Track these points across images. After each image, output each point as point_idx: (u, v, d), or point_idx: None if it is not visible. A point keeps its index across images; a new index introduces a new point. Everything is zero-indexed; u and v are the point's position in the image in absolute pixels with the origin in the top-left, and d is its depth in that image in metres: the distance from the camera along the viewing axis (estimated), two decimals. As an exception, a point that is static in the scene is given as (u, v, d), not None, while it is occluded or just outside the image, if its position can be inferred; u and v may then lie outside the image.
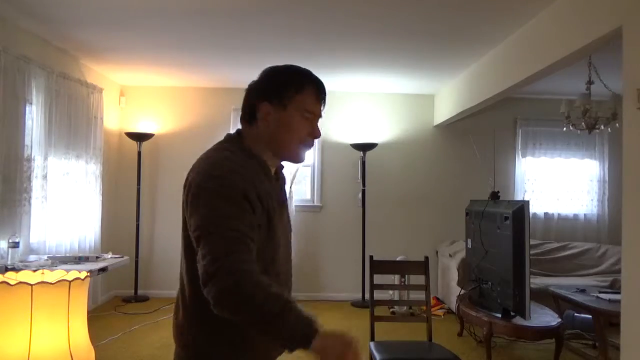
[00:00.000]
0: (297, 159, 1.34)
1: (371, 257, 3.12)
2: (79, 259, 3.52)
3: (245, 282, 1.07)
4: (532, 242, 5.18)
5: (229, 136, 1.37)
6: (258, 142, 1.32)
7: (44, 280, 1.53)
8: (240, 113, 1.38)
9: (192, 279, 1.21)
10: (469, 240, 4.19)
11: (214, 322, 1.17)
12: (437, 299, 5.55)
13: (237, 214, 1.14)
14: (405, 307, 5.14)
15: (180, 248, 1.29)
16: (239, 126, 1.41)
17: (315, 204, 5.92)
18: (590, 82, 4.08)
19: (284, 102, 1.27)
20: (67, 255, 3.99)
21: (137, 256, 5.62)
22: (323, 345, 1.06)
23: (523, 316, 3.34)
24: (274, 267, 1.29)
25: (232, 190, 1.16)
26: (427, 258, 3.12)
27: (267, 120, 1.29)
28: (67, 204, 4.44)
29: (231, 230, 1.11)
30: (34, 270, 1.67)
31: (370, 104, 6.00)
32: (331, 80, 5.50)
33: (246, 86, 1.37)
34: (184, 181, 1.26)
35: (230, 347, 1.23)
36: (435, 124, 5.97)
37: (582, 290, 4.19)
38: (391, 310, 5.22)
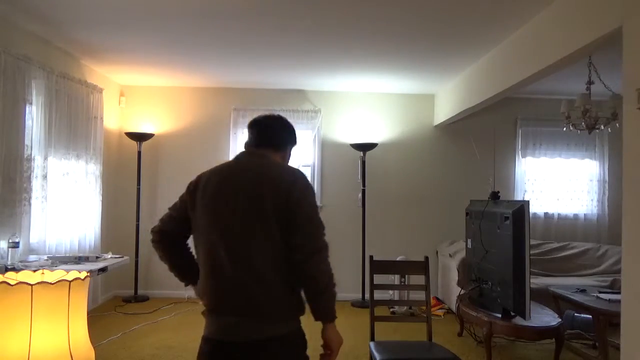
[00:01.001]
0: None
1: (371, 257, 3.12)
2: (79, 259, 3.53)
3: (327, 259, 1.64)
4: (532, 242, 5.18)
5: (262, 152, 1.75)
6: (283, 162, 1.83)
7: (44, 280, 1.53)
8: (265, 135, 1.80)
9: (280, 259, 1.60)
10: (469, 240, 4.19)
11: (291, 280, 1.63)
12: (437, 299, 5.55)
13: None
14: (405, 307, 5.14)
15: (250, 238, 1.59)
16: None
17: (315, 204, 5.91)
18: (590, 82, 4.08)
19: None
20: (67, 255, 3.99)
21: (137, 256, 5.62)
22: (335, 329, 1.65)
23: (523, 316, 3.34)
24: None
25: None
26: (427, 258, 3.12)
27: (289, 151, 1.87)
28: (67, 204, 4.44)
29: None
30: (34, 270, 1.68)
31: (370, 104, 6.00)
32: (331, 81, 5.50)
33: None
34: (256, 179, 1.65)
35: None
36: (435, 124, 5.97)
37: (582, 290, 4.19)
38: (391, 310, 5.22)
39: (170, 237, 1.76)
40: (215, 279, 1.61)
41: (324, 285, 1.62)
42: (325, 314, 1.63)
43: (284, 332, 1.59)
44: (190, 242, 1.78)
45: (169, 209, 1.79)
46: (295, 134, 1.86)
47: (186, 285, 1.81)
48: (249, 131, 1.79)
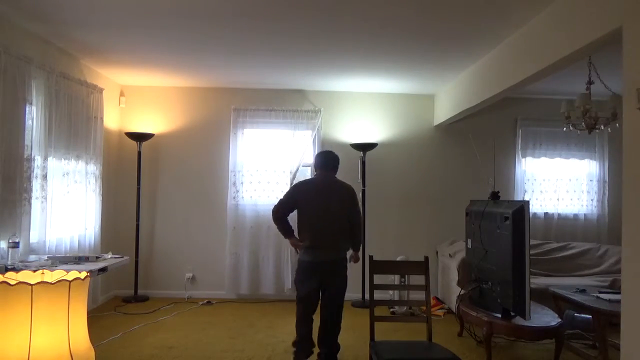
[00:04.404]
0: None
1: (371, 257, 3.12)
2: (78, 259, 3.52)
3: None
4: (532, 242, 5.18)
5: (331, 174, 3.64)
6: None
7: (44, 280, 1.53)
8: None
9: (346, 227, 3.56)
10: (469, 240, 4.19)
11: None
12: (437, 299, 5.55)
13: None
14: (405, 307, 5.14)
15: (335, 217, 3.51)
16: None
17: (315, 204, 5.92)
18: (590, 82, 4.08)
19: None
20: (67, 255, 3.99)
21: (137, 256, 5.62)
22: (358, 252, 3.78)
23: (523, 316, 3.34)
24: None
25: None
26: (427, 258, 3.12)
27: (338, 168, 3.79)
28: (66, 204, 4.44)
29: None
30: (34, 270, 1.68)
31: (371, 104, 6.00)
32: (331, 81, 5.50)
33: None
34: (331, 188, 3.58)
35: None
36: (435, 124, 5.97)
37: (582, 290, 4.19)
38: (391, 310, 5.22)
39: (284, 215, 3.54)
40: (319, 234, 3.44)
41: (359, 237, 3.66)
42: (358, 247, 3.71)
43: (343, 256, 3.56)
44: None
45: (282, 201, 3.55)
46: (338, 158, 3.71)
47: (285, 237, 3.58)
48: (320, 161, 3.64)
